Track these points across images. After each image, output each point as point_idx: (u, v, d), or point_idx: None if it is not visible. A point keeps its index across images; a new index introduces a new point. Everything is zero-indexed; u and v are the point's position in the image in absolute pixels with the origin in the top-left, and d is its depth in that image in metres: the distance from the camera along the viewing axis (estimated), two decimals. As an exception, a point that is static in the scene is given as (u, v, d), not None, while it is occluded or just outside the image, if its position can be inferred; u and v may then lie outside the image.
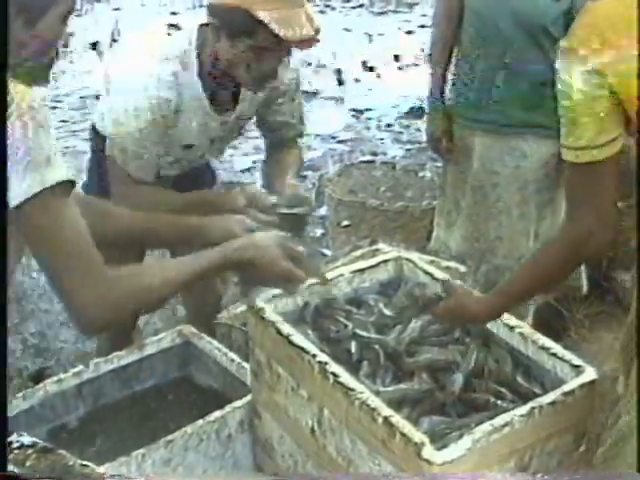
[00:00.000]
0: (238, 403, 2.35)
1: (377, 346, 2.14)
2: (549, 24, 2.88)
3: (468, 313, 2.08)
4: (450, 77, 3.20)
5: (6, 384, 1.61)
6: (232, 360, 2.51)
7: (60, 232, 1.55)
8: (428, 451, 1.77)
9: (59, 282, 1.58)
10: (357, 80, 7.48)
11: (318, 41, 2.35)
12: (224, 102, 2.50)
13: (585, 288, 3.34)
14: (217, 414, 2.32)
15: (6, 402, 1.61)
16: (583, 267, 3.25)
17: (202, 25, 2.37)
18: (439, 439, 1.85)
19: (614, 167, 1.75)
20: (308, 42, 2.33)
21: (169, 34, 2.43)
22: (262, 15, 2.22)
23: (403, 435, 1.80)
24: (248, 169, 5.40)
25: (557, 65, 1.74)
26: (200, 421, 2.31)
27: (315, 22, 2.32)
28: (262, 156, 4.88)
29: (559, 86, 1.75)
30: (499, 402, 2.00)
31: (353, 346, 2.15)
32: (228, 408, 2.34)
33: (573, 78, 1.70)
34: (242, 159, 5.24)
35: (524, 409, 1.90)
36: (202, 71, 2.40)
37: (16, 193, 1.49)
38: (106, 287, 1.60)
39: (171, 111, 2.38)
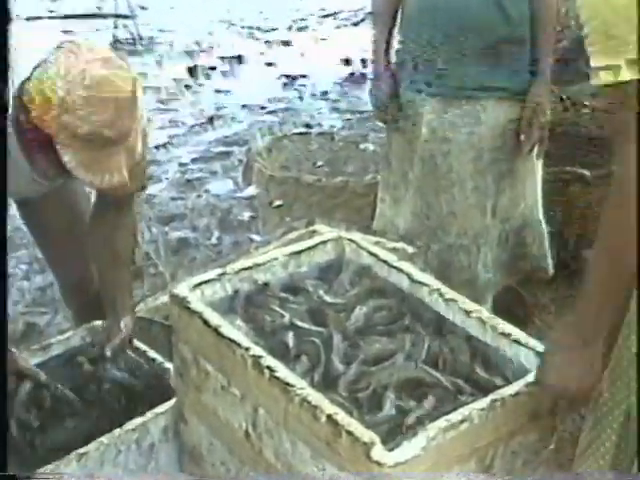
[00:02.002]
0: (161, 408, 2.36)
1: (317, 339, 2.16)
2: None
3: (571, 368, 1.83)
4: (396, 36, 3.23)
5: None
6: (153, 359, 2.51)
7: None
8: (378, 451, 1.79)
9: None
10: (288, 43, 7.50)
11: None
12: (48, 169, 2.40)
13: (551, 270, 3.39)
14: (137, 421, 2.33)
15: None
16: (547, 246, 3.31)
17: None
18: (390, 438, 1.87)
19: None
20: (118, 188, 2.29)
21: None
22: (67, 158, 2.17)
23: (350, 434, 1.82)
24: (164, 145, 5.39)
25: None
26: (117, 430, 2.31)
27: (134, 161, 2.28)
28: (181, 130, 4.88)
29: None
30: (456, 396, 2.03)
31: (290, 338, 2.17)
32: (149, 414, 2.35)
33: None
34: (157, 133, 5.23)
35: (484, 402, 1.93)
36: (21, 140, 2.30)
37: None
38: None
39: None
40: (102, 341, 2.60)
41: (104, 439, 2.28)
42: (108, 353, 2.55)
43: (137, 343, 2.58)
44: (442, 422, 1.87)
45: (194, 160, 5.32)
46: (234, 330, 2.10)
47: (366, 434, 1.82)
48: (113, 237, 2.62)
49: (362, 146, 4.40)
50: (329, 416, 1.86)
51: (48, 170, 2.37)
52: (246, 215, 4.51)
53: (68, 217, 2.83)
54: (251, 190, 4.40)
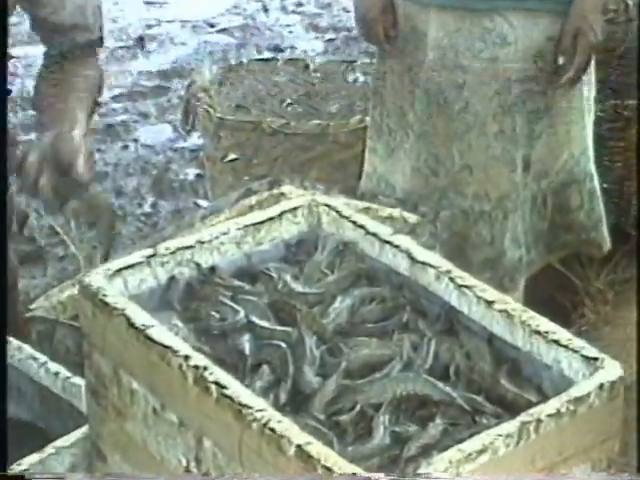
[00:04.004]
0: (67, 440, 2.37)
1: (283, 342, 2.17)
2: None
3: None
4: None
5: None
6: (55, 374, 2.52)
7: None
8: (365, 493, 1.82)
9: None
10: None
11: None
12: None
13: (607, 243, 3.41)
14: (33, 459, 2.34)
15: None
16: (602, 210, 3.32)
17: None
18: (383, 474, 1.89)
19: None
20: None
21: None
22: None
23: (327, 470, 1.83)
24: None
25: None
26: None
27: None
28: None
29: None
30: (474, 417, 2.05)
31: (246, 342, 2.18)
32: (51, 449, 2.36)
33: None
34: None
35: (512, 426, 1.94)
36: None
37: None
38: None
39: None
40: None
41: (-14, 483, 2.30)
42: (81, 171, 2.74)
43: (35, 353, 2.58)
44: (454, 453, 1.89)
45: (117, 98, 5.32)
46: (169, 333, 2.11)
47: (349, 470, 1.83)
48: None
49: (350, 77, 4.41)
50: (299, 447, 1.88)
51: None
52: (190, 173, 4.53)
53: None
54: (195, 139, 4.41)
